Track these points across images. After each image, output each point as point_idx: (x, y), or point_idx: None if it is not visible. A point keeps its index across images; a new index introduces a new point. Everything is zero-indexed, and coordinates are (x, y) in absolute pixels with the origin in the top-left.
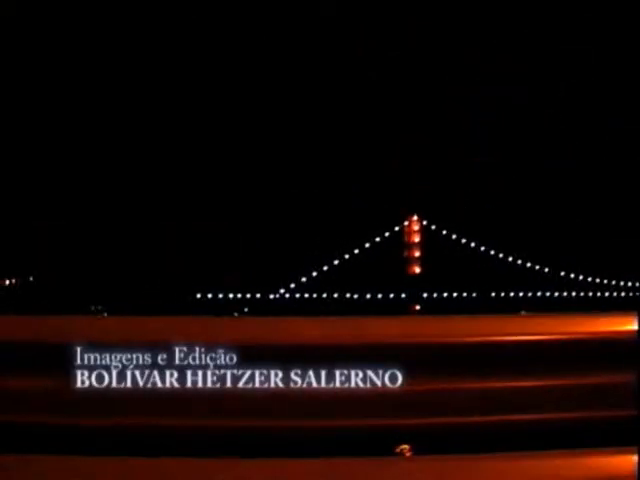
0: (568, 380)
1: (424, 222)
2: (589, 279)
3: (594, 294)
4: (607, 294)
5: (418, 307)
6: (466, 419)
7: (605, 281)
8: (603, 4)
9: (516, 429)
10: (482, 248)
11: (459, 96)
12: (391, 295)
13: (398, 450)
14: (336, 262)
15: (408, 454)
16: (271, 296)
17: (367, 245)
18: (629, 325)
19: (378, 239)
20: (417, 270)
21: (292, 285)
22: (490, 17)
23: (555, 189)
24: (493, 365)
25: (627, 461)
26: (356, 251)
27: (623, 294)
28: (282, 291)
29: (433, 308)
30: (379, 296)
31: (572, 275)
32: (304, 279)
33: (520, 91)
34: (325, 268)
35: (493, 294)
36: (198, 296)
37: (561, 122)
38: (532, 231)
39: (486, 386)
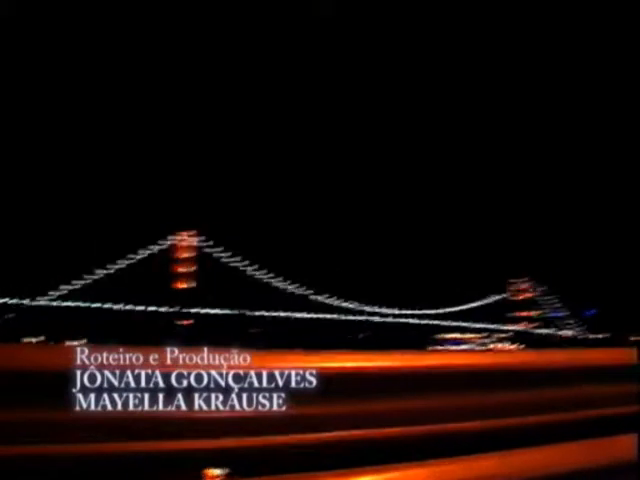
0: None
1: (195, 238)
2: (345, 304)
3: (354, 319)
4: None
5: (185, 322)
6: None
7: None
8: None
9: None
10: (250, 268)
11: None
12: (158, 309)
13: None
14: (104, 272)
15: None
16: (34, 303)
17: (137, 257)
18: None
19: (148, 251)
20: (185, 285)
21: (55, 293)
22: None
23: (324, 216)
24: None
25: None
26: (125, 262)
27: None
28: (45, 298)
29: (200, 323)
30: (146, 309)
31: (329, 299)
32: (69, 287)
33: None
34: (93, 277)
35: (257, 314)
36: None
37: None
38: (298, 255)
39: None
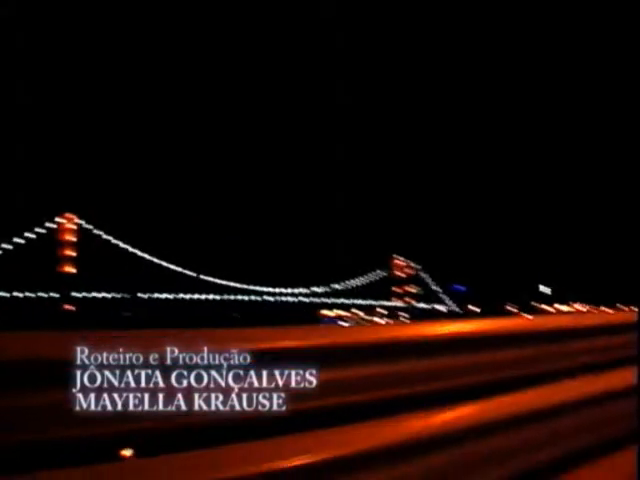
0: None
1: (79, 221)
2: (231, 284)
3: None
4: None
5: (70, 307)
6: None
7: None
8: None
9: None
10: (134, 250)
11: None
12: (42, 294)
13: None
14: None
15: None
16: None
17: (19, 241)
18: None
19: (32, 235)
20: (70, 269)
21: None
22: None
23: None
24: None
25: None
26: (7, 246)
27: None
28: None
29: (85, 307)
30: (30, 295)
31: (214, 279)
32: None
33: None
34: None
35: (143, 295)
36: None
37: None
38: (181, 238)
39: None
